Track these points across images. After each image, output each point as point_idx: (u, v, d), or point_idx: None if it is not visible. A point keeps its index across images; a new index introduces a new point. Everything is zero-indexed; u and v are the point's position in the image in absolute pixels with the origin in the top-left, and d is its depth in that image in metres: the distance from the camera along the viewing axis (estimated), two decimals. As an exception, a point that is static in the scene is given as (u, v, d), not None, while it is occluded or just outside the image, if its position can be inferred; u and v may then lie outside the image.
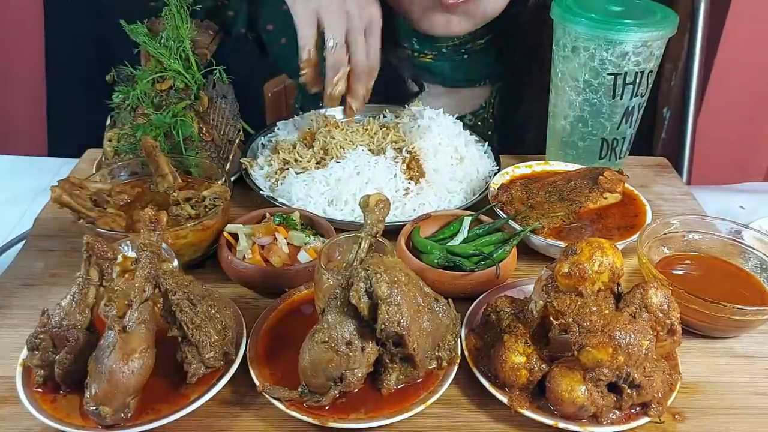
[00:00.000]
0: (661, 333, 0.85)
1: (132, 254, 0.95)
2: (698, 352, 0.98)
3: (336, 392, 0.82)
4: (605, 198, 1.19)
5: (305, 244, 1.09)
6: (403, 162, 1.28)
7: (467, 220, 1.12)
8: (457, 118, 1.43)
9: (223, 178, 1.18)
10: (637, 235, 1.08)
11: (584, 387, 0.81)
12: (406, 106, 1.44)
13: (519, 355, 0.85)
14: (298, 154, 1.32)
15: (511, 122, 1.59)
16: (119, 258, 0.91)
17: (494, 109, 1.64)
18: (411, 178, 1.26)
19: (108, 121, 1.31)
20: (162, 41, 1.25)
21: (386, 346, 0.83)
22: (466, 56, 1.56)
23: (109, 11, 2.21)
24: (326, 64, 1.12)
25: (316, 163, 1.30)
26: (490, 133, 1.64)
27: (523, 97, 1.58)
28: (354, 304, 0.79)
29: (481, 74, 1.60)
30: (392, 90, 1.54)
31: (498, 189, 1.22)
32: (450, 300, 0.90)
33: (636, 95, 1.26)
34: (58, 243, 1.18)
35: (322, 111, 1.46)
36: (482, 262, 1.04)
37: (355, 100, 1.22)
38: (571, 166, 1.30)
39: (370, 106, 1.50)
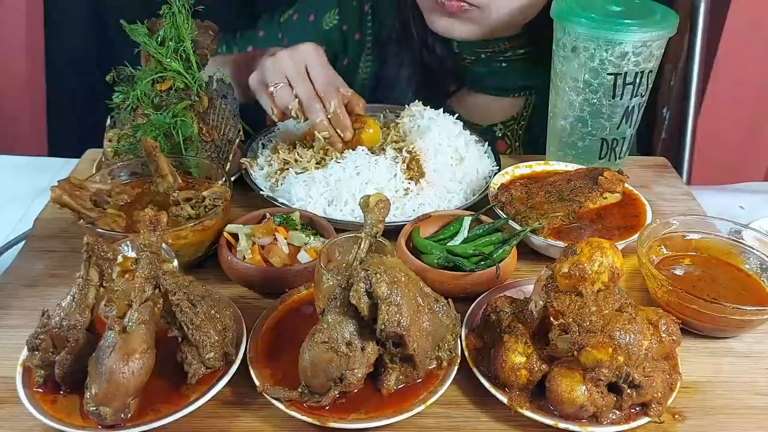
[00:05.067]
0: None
1: (132, 254, 0.95)
2: (698, 352, 0.98)
3: (336, 392, 0.82)
4: (605, 198, 1.19)
5: (305, 244, 1.09)
6: (403, 162, 1.28)
7: (467, 220, 1.12)
8: (487, 127, 1.42)
9: (223, 178, 1.18)
10: (637, 235, 1.08)
11: (584, 387, 0.81)
12: (406, 106, 1.44)
13: (519, 355, 0.86)
14: (298, 154, 1.32)
15: (540, 138, 1.60)
16: (119, 258, 0.91)
17: (525, 122, 1.64)
18: (411, 178, 1.26)
19: (108, 122, 1.31)
20: (158, 39, 1.25)
21: (386, 346, 0.83)
22: (504, 64, 1.55)
23: (109, 11, 2.22)
24: (276, 102, 1.28)
25: (316, 164, 1.30)
26: (517, 144, 1.64)
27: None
28: (354, 305, 0.79)
29: (517, 85, 1.60)
30: (430, 85, 1.59)
31: (498, 189, 1.22)
32: (450, 300, 0.90)
33: (636, 95, 1.26)
34: (59, 243, 1.18)
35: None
36: (482, 262, 1.04)
37: (320, 128, 1.27)
38: (571, 166, 1.30)
39: (371, 106, 1.51)
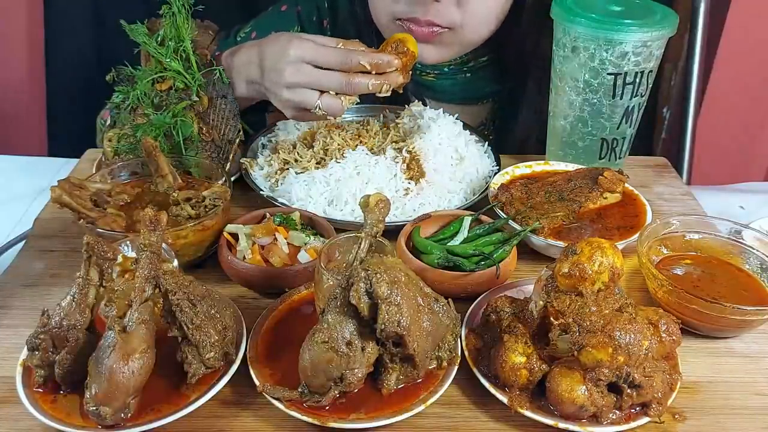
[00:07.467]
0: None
1: (132, 254, 0.95)
2: (698, 352, 0.98)
3: (336, 392, 0.82)
4: (605, 198, 1.19)
5: (305, 244, 1.09)
6: (403, 162, 1.28)
7: (467, 220, 1.12)
8: None
9: (223, 178, 1.18)
10: (637, 235, 1.08)
11: (584, 387, 0.81)
12: (407, 106, 1.44)
13: (519, 355, 0.86)
14: (298, 154, 1.32)
15: (510, 139, 1.60)
16: (119, 258, 0.91)
17: (494, 126, 1.64)
18: (411, 178, 1.26)
19: (103, 114, 1.30)
20: (158, 39, 1.25)
21: (386, 346, 0.83)
22: (468, 74, 1.56)
23: (109, 11, 2.22)
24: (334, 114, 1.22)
25: (316, 163, 1.30)
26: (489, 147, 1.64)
27: (523, 115, 1.57)
28: (354, 304, 0.79)
29: (483, 92, 1.61)
30: (391, 100, 1.55)
31: (498, 189, 1.22)
32: (450, 300, 0.90)
33: (636, 95, 1.26)
34: (58, 243, 1.18)
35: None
36: (482, 262, 1.04)
37: (376, 89, 1.19)
38: (571, 166, 1.30)
39: (371, 106, 1.51)
